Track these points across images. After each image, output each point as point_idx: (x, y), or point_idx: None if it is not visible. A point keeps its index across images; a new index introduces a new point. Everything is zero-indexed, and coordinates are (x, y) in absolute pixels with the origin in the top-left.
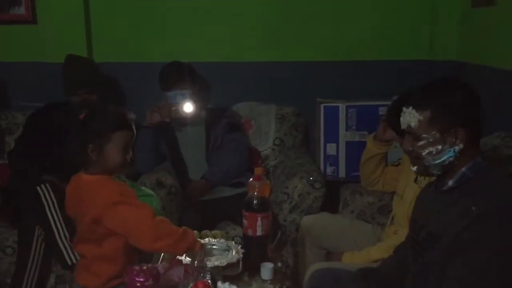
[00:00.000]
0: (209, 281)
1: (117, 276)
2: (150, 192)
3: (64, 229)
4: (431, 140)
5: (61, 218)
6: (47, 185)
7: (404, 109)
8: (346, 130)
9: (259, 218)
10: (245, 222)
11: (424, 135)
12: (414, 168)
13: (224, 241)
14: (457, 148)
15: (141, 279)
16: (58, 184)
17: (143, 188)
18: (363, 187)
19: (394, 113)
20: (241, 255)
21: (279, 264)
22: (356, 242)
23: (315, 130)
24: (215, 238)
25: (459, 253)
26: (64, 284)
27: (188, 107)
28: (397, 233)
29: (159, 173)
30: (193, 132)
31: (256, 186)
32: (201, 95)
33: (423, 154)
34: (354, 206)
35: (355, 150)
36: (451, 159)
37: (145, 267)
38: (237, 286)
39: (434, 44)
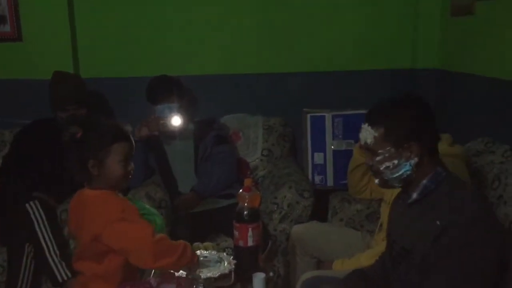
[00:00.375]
0: None
1: None
2: (154, 211)
3: (54, 245)
4: (387, 155)
5: (50, 235)
6: (36, 202)
7: (362, 125)
8: (333, 139)
9: (249, 229)
10: (236, 233)
11: (380, 151)
12: (376, 181)
13: (215, 252)
14: (412, 162)
15: None
16: (47, 201)
17: (148, 206)
18: (351, 195)
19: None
20: (233, 266)
21: (271, 274)
22: (346, 250)
23: (302, 140)
24: (206, 250)
25: (431, 270)
26: None
27: (176, 120)
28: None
29: (148, 187)
30: (182, 145)
31: (246, 197)
32: (189, 108)
33: (381, 168)
34: (343, 214)
35: (342, 158)
36: (408, 172)
37: (137, 282)
38: None
39: (415, 53)
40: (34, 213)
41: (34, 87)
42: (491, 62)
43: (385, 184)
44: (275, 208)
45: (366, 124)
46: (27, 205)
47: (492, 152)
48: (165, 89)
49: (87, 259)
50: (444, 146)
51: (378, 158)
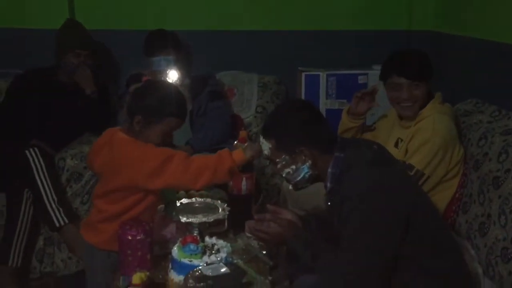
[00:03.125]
0: (197, 236)
1: None
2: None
3: (52, 192)
4: (284, 163)
5: (49, 182)
6: (36, 149)
7: (260, 138)
8: (326, 98)
9: (244, 178)
10: (230, 182)
11: (277, 160)
12: (290, 187)
13: (210, 200)
14: (308, 164)
15: (132, 233)
16: (46, 149)
17: None
18: None
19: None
20: (227, 213)
21: None
22: None
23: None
24: (201, 197)
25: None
26: (52, 245)
27: (173, 74)
28: None
29: None
30: None
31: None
32: (185, 62)
33: (284, 175)
34: None
35: (335, 117)
36: (309, 173)
37: (138, 223)
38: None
39: (411, 14)
40: (33, 160)
41: (29, 36)
42: (484, 24)
43: (296, 187)
44: (268, 163)
45: (261, 137)
46: (26, 152)
47: (481, 112)
48: (162, 41)
49: (111, 199)
50: (435, 104)
51: (278, 166)
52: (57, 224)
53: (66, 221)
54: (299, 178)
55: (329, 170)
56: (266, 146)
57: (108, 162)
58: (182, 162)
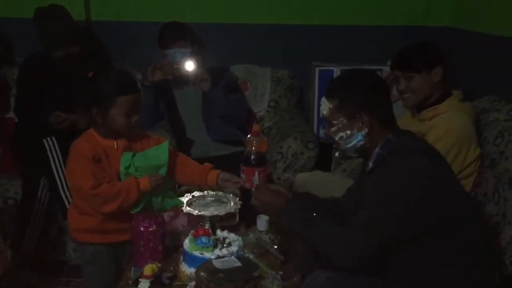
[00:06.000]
0: (209, 229)
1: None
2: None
3: (67, 181)
4: (340, 126)
5: (64, 171)
6: (53, 138)
7: (322, 98)
8: None
9: (256, 172)
10: (242, 176)
11: (334, 122)
12: (336, 154)
13: (222, 193)
14: (363, 132)
15: (145, 225)
16: (64, 138)
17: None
18: None
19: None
20: (239, 206)
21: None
22: None
23: (309, 93)
24: (213, 191)
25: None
26: (65, 235)
27: (189, 65)
28: None
29: (157, 131)
30: (191, 90)
31: (254, 141)
32: (199, 55)
33: (336, 139)
34: (346, 165)
35: None
36: (361, 142)
37: (150, 215)
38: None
39: (428, 10)
40: (50, 149)
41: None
42: (501, 20)
43: (344, 154)
44: (280, 158)
45: (323, 97)
46: (44, 141)
47: (498, 110)
48: (177, 34)
49: None
50: (455, 101)
51: (333, 129)
52: None
53: None
54: (350, 145)
55: (377, 150)
56: (326, 106)
57: None
58: (88, 182)
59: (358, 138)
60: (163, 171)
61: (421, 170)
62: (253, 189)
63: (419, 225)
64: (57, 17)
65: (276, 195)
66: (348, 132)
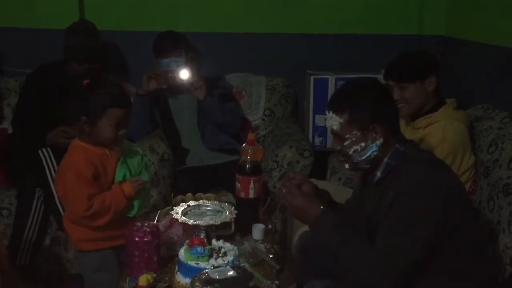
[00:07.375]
0: (204, 238)
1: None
2: (138, 150)
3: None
4: (354, 139)
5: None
6: (49, 149)
7: (327, 113)
8: None
9: (251, 181)
10: (238, 185)
11: (347, 136)
12: (346, 166)
13: (217, 203)
14: (378, 142)
15: (140, 235)
16: (59, 148)
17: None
18: None
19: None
20: (234, 216)
21: (269, 226)
22: None
23: (304, 101)
24: (208, 200)
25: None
26: (59, 245)
27: (184, 74)
28: None
29: (152, 139)
30: (186, 99)
31: (249, 150)
32: (194, 64)
33: (350, 152)
34: (341, 174)
35: None
36: (375, 153)
37: (146, 224)
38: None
39: (422, 18)
40: (46, 160)
41: (40, 36)
42: (495, 29)
43: (356, 167)
44: (275, 166)
45: (331, 112)
46: (39, 151)
47: (491, 118)
48: (172, 43)
49: None
50: (449, 110)
51: (346, 143)
52: None
53: None
54: (365, 157)
55: (386, 159)
56: (335, 121)
57: None
58: (81, 203)
59: (372, 149)
60: (144, 175)
61: (442, 184)
62: (283, 191)
63: (444, 238)
64: (90, 33)
65: (308, 200)
66: (363, 144)
